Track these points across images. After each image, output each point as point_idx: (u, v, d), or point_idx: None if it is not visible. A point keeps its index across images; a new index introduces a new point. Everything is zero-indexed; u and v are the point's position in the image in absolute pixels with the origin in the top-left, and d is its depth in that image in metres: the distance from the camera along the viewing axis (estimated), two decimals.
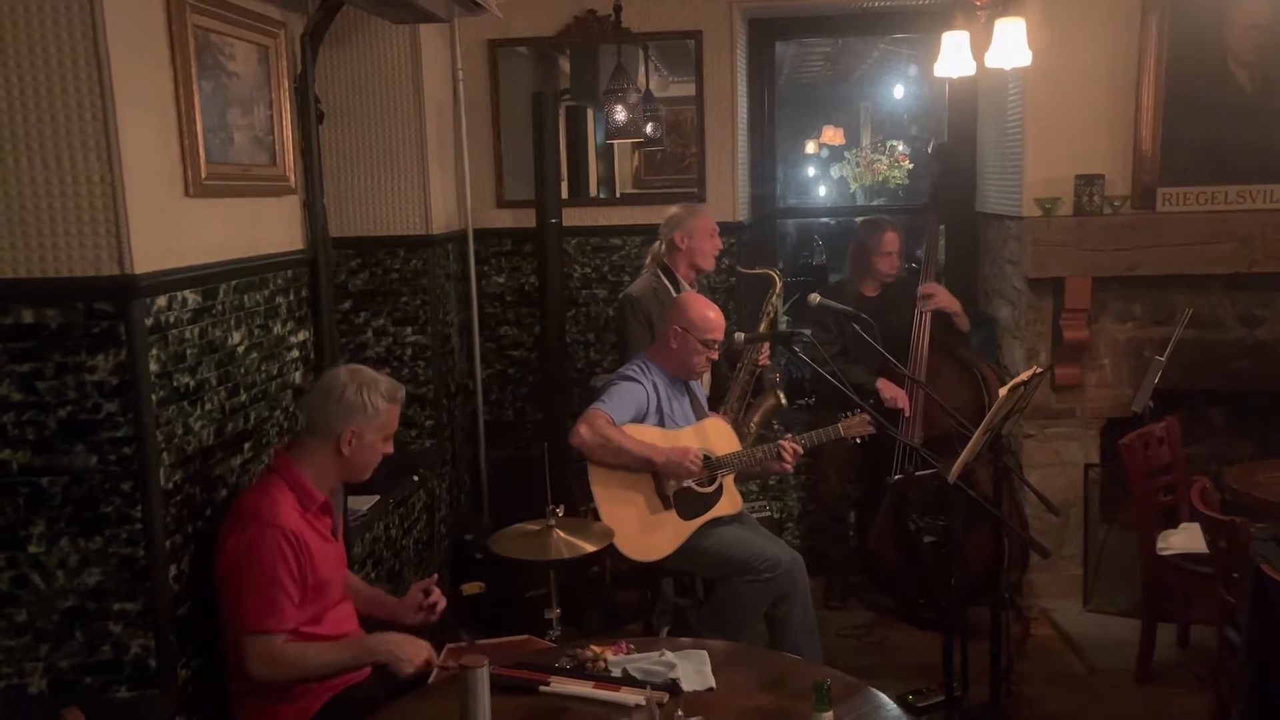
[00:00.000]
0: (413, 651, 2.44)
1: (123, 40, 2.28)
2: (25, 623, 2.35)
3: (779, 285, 4.11)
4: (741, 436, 3.70)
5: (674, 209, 4.05)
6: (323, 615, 2.50)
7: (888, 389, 4.21)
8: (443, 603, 2.68)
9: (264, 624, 2.35)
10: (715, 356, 3.47)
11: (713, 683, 2.24)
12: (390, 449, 2.58)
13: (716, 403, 3.89)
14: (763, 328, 4.08)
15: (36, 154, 2.25)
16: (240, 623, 2.36)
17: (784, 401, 3.92)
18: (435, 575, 2.79)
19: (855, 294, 4.39)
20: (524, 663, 2.36)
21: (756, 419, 3.87)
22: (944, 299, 4.28)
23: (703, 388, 3.87)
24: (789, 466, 3.39)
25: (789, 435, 3.44)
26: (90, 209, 2.27)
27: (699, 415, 3.53)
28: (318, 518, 2.52)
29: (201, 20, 2.60)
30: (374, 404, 2.47)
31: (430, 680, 2.41)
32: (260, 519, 2.38)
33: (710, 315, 3.37)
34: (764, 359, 3.89)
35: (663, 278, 3.93)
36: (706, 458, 3.36)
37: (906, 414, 4.22)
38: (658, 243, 4.04)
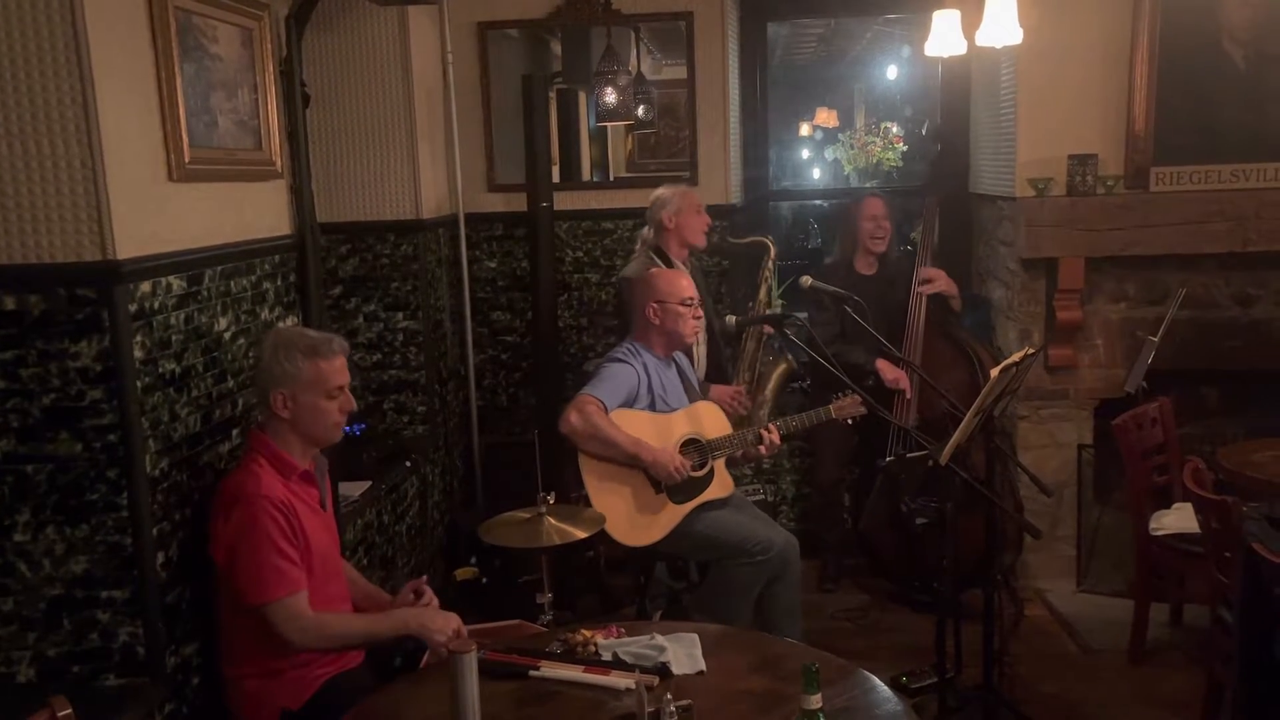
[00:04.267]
0: (443, 623, 2.45)
1: (102, 23, 2.25)
2: (12, 611, 2.34)
3: (773, 251, 4.03)
4: (759, 405, 3.71)
5: (657, 191, 4.04)
6: (314, 595, 2.48)
7: (889, 370, 4.19)
8: (435, 602, 2.67)
9: (277, 591, 2.34)
10: (700, 314, 3.47)
11: (703, 666, 2.23)
12: (348, 405, 2.52)
13: (716, 378, 3.88)
14: (760, 295, 4.04)
15: (16, 139, 2.23)
16: (255, 598, 2.34)
17: (795, 365, 3.91)
18: (426, 576, 2.79)
19: (850, 273, 4.37)
20: (514, 647, 2.36)
21: (771, 386, 3.86)
22: (943, 283, 4.27)
23: (695, 366, 3.86)
24: (765, 452, 3.39)
25: (777, 420, 3.44)
26: (71, 194, 2.25)
27: (689, 392, 3.53)
28: (302, 487, 2.51)
29: (183, 2, 2.56)
30: (293, 364, 2.43)
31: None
32: (246, 494, 2.37)
33: (676, 279, 3.44)
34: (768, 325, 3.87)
35: (656, 260, 3.92)
36: (696, 443, 3.35)
37: (908, 395, 4.21)
38: (646, 228, 4.03)
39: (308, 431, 2.50)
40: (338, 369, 2.50)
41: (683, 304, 3.38)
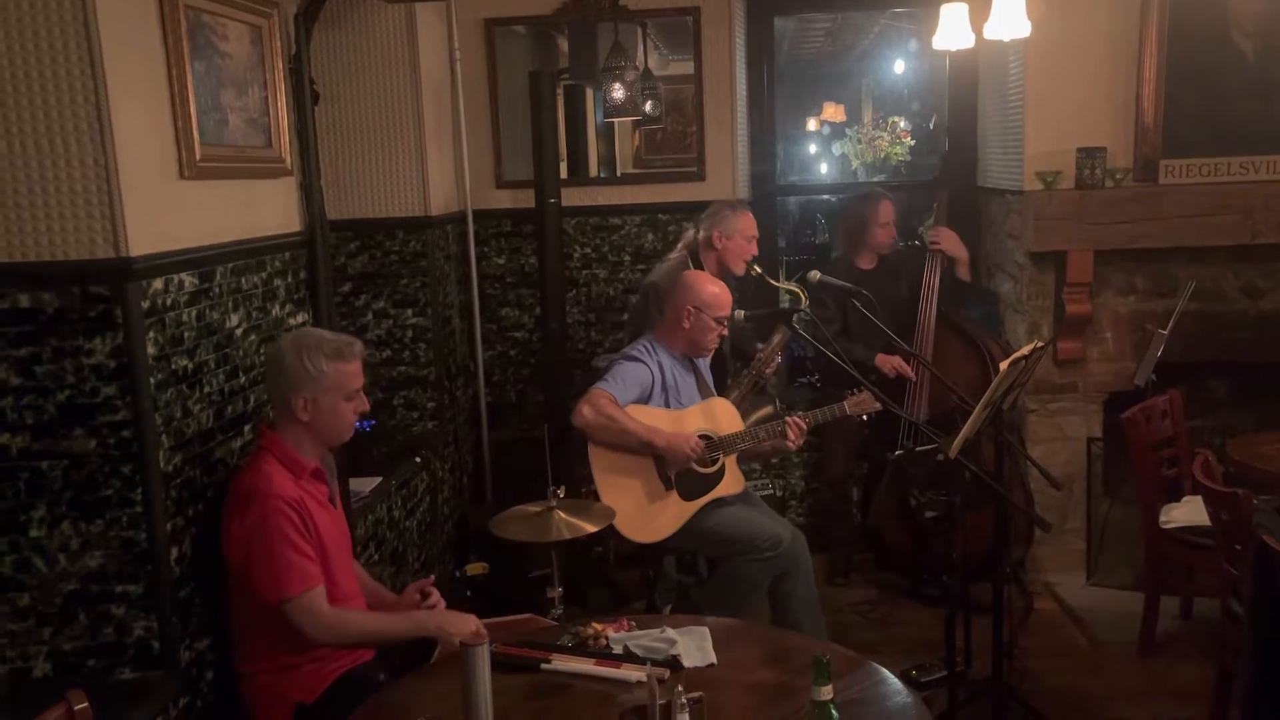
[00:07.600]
0: (460, 625, 2.48)
1: (114, 22, 2.26)
2: (28, 606, 2.36)
3: (805, 301, 3.86)
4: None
5: (718, 204, 4.04)
6: (328, 590, 2.49)
7: (886, 363, 4.20)
8: (441, 603, 2.68)
9: (295, 588, 2.36)
10: (725, 333, 3.47)
11: (714, 659, 2.25)
12: (362, 406, 2.54)
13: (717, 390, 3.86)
14: (777, 341, 3.94)
15: (29, 138, 2.24)
16: (273, 596, 2.36)
17: (778, 413, 3.89)
18: (433, 577, 2.80)
19: (851, 268, 4.37)
20: (525, 640, 2.37)
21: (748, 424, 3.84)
22: (952, 244, 4.28)
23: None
24: (792, 445, 3.38)
25: (795, 414, 3.44)
26: (84, 192, 2.26)
27: (705, 394, 3.53)
28: (313, 484, 2.53)
29: (193, 1, 2.58)
30: (317, 367, 2.45)
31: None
32: (259, 494, 2.39)
33: (719, 292, 3.41)
34: (771, 369, 3.81)
35: (690, 266, 3.91)
36: (708, 438, 3.36)
37: (913, 378, 4.20)
38: (694, 230, 4.02)
39: (324, 433, 2.52)
40: (356, 371, 2.53)
41: (717, 320, 3.38)
